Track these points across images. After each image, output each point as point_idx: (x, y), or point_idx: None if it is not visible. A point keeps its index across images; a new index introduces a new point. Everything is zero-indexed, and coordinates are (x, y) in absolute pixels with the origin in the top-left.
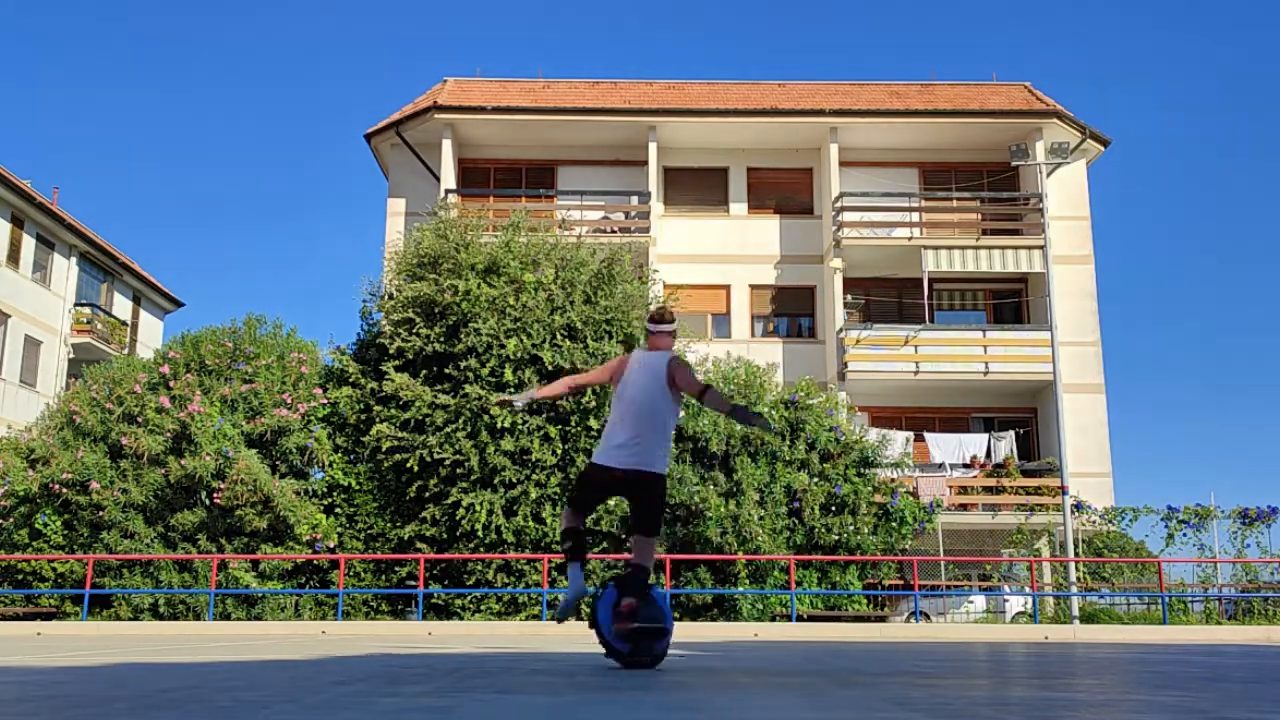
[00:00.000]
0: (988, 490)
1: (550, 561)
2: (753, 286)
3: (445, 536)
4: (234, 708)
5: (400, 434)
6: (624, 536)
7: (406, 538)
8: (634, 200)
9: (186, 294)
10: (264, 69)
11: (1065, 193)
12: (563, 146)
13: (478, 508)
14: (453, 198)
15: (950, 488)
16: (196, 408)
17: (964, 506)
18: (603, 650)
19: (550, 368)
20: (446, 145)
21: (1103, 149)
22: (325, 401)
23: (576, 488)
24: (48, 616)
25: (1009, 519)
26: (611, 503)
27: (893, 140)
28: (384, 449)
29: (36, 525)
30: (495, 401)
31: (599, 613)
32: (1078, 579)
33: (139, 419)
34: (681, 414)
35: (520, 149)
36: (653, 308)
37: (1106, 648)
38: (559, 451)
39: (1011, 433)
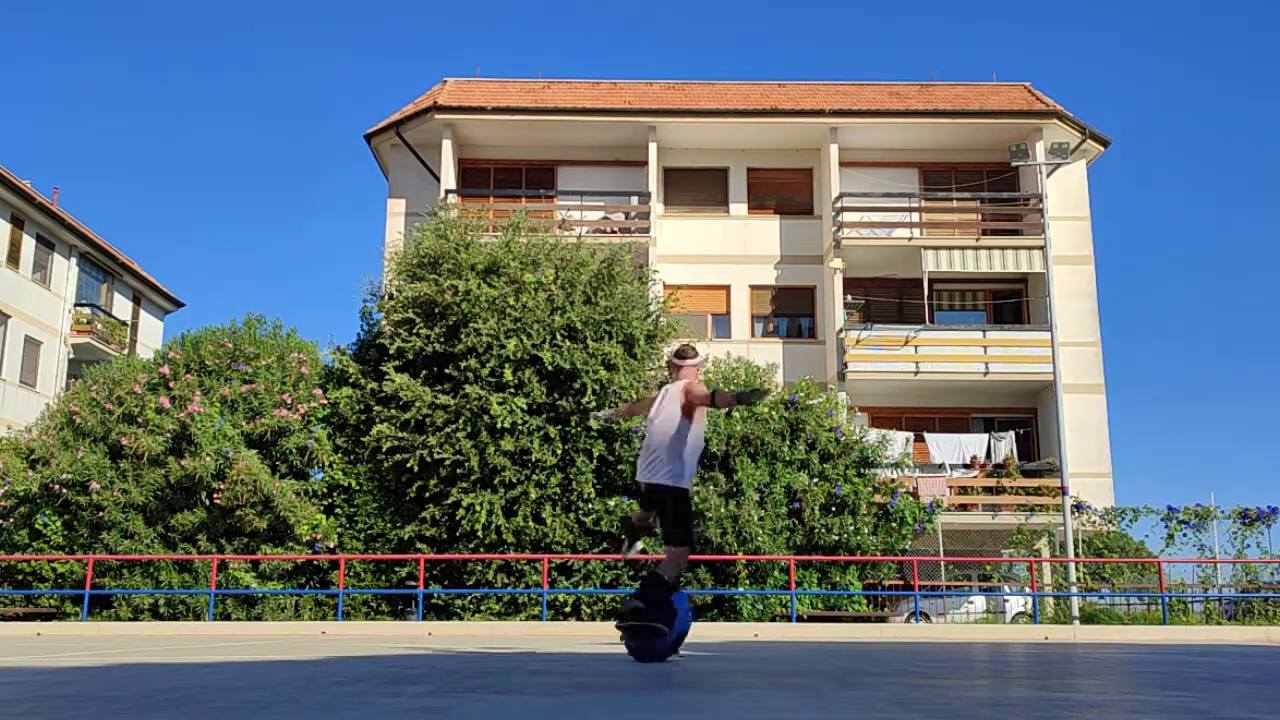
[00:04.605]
0: (988, 490)
1: (550, 562)
2: (753, 287)
3: (445, 537)
4: (234, 708)
5: (400, 434)
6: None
7: (406, 538)
8: (634, 200)
9: (186, 294)
10: (265, 70)
11: (1065, 193)
12: (563, 147)
13: (478, 508)
14: (453, 198)
15: (950, 488)
16: (196, 408)
17: (964, 507)
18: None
19: (550, 368)
20: (446, 145)
21: (1103, 149)
22: (325, 402)
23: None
24: (48, 617)
25: (1009, 519)
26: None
27: (893, 140)
28: (384, 449)
29: (36, 525)
30: (594, 416)
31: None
32: (1078, 579)
33: (139, 419)
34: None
35: (520, 149)
36: (651, 307)
37: (1106, 648)
38: (559, 452)
39: (1011, 433)
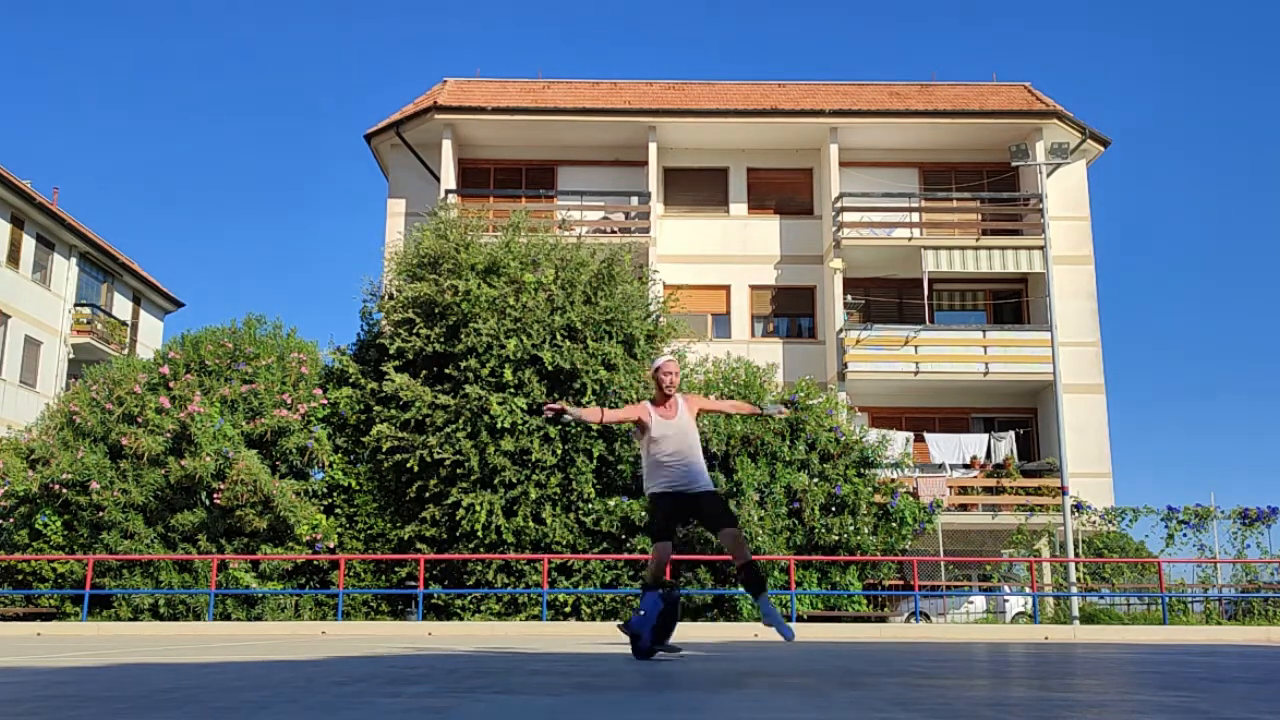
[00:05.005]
0: (988, 490)
1: (550, 562)
2: (753, 287)
3: (445, 537)
4: (234, 708)
5: (400, 434)
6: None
7: (406, 538)
8: (634, 200)
9: (186, 294)
10: (265, 70)
11: (1065, 193)
12: (563, 147)
13: (478, 508)
14: (453, 198)
15: (950, 488)
16: (196, 408)
17: (964, 507)
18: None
19: (550, 368)
20: (446, 145)
21: (1103, 149)
22: (325, 402)
23: (656, 521)
24: (48, 617)
25: (1009, 519)
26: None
27: (893, 140)
28: (384, 449)
29: (36, 525)
30: (546, 409)
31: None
32: (1078, 579)
33: (139, 419)
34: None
35: (520, 149)
36: (651, 307)
37: (1106, 648)
38: (559, 452)
39: (1011, 433)
